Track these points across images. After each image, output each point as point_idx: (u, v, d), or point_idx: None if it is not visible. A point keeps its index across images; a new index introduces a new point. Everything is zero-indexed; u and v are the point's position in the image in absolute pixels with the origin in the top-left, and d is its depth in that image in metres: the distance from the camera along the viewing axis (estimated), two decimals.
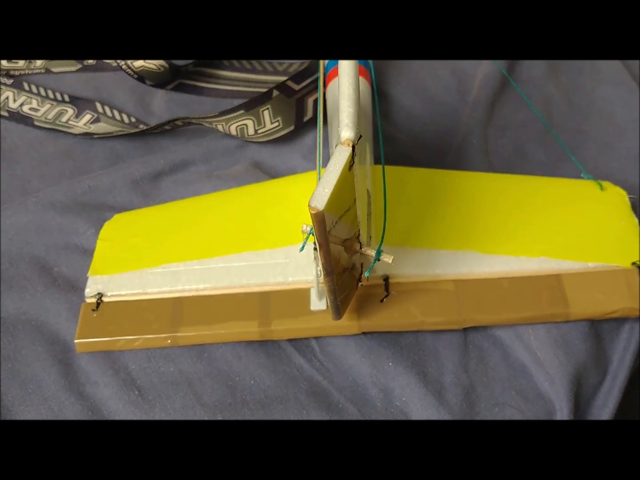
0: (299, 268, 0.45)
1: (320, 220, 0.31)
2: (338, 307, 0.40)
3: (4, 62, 0.63)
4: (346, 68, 0.36)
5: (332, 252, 0.34)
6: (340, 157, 0.32)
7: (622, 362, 0.44)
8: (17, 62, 0.63)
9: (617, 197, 0.48)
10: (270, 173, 0.55)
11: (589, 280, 0.44)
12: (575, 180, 0.50)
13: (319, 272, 0.42)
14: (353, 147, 0.33)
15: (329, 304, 0.40)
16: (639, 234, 0.46)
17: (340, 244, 0.35)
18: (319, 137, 0.51)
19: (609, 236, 0.46)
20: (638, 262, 0.44)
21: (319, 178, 0.46)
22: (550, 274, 0.44)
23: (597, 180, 0.49)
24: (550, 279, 0.44)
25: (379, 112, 0.52)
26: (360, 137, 0.34)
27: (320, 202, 0.30)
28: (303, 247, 0.40)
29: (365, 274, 0.40)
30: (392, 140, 0.57)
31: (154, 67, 0.59)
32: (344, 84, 0.36)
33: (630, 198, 0.48)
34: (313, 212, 0.30)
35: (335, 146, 0.33)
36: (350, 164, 0.33)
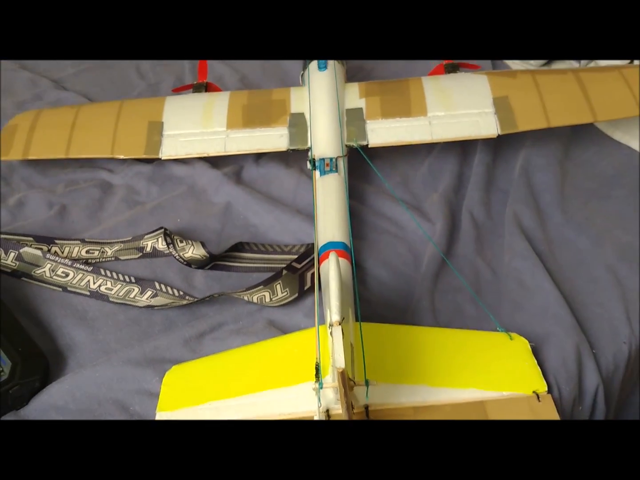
0: (305, 401, 0.64)
1: (344, 375, 0.51)
2: None
3: (83, 253, 0.85)
4: (333, 279, 0.58)
5: None
6: (337, 335, 0.54)
7: None
8: (93, 253, 0.85)
9: (521, 344, 0.69)
10: (282, 328, 0.76)
11: (505, 405, 0.64)
12: (492, 333, 0.71)
13: (319, 404, 0.62)
14: (340, 324, 0.55)
15: None
16: (537, 371, 0.66)
17: None
18: (316, 301, 0.72)
19: (517, 373, 0.66)
20: (537, 391, 0.64)
21: (317, 332, 0.67)
22: (477, 401, 0.64)
23: (508, 332, 0.71)
24: (477, 405, 0.64)
25: (357, 281, 0.74)
26: (344, 318, 0.56)
27: (342, 363, 0.51)
28: (319, 399, 0.59)
29: (366, 399, 0.61)
30: (367, 301, 0.78)
31: (199, 257, 0.82)
32: (332, 286, 0.58)
33: (530, 345, 0.69)
34: (339, 370, 0.51)
35: (330, 326, 0.55)
36: (343, 337, 0.54)
